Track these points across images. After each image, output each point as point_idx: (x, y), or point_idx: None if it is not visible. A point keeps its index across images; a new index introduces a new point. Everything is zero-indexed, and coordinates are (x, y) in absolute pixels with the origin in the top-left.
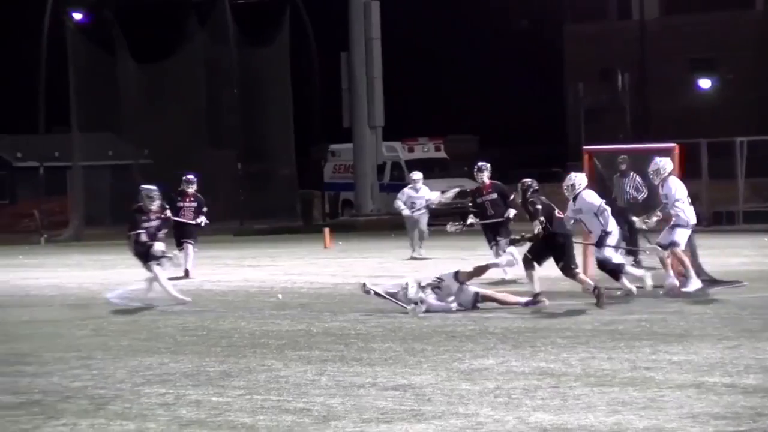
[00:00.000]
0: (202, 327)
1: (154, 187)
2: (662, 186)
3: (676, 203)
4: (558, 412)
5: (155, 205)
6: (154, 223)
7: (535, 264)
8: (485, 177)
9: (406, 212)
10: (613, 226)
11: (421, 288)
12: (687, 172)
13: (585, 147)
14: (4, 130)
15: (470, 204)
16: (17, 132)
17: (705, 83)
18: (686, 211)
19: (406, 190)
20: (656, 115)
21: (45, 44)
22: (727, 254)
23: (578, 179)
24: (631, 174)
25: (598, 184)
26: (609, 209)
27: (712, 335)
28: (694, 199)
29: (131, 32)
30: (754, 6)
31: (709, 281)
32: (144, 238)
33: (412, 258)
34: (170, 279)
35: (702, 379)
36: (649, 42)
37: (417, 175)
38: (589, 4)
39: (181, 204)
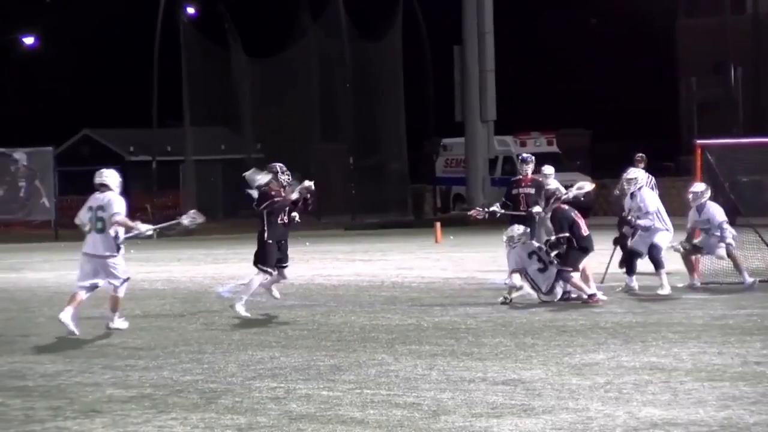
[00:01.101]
0: (312, 321)
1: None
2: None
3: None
4: (668, 407)
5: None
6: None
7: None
8: (529, 170)
9: (536, 209)
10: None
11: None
12: None
13: (698, 141)
14: (117, 125)
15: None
16: (130, 126)
17: None
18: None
19: None
20: None
21: (158, 39)
22: None
23: (640, 176)
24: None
25: (710, 180)
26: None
27: None
28: None
29: (244, 26)
30: None
31: None
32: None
33: None
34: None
35: None
36: (764, 36)
37: (549, 169)
38: None
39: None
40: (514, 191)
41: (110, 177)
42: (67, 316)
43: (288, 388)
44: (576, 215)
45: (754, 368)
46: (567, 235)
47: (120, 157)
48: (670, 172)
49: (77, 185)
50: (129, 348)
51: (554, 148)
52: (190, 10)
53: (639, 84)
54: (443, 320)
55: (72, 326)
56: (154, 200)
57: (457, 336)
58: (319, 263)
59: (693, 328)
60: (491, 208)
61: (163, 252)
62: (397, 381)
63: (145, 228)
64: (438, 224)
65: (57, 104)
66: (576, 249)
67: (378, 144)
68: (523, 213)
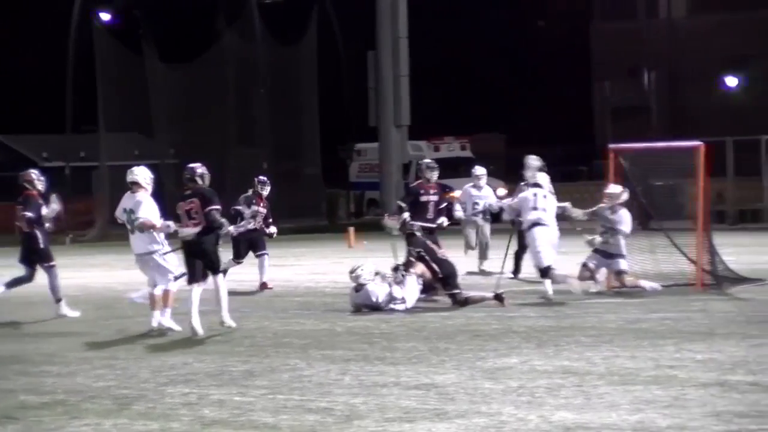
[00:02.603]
0: (225, 327)
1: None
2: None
3: None
4: (581, 411)
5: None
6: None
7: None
8: (436, 176)
9: (458, 214)
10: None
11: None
12: (713, 170)
13: (611, 146)
14: (31, 131)
15: (404, 200)
16: (44, 132)
17: (732, 81)
18: None
19: (468, 189)
20: (683, 113)
21: (72, 44)
22: (752, 252)
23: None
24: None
25: (624, 183)
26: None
27: (737, 333)
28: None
29: (159, 32)
30: None
31: (733, 279)
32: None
33: (482, 272)
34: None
35: (725, 378)
36: (677, 40)
37: (480, 170)
38: (616, 3)
39: (255, 208)
40: (423, 198)
41: (140, 174)
42: (159, 318)
43: (201, 394)
44: (430, 243)
45: (667, 372)
46: (420, 251)
47: (33, 162)
48: (584, 176)
49: None
50: (42, 354)
51: (468, 153)
52: (105, 16)
53: (553, 88)
54: (357, 325)
55: (174, 325)
56: (68, 206)
57: (370, 341)
58: (233, 268)
59: (606, 332)
60: (406, 217)
61: (77, 258)
62: (310, 386)
63: (184, 230)
64: (351, 229)
65: None
66: (443, 276)
67: (293, 149)
68: (434, 226)
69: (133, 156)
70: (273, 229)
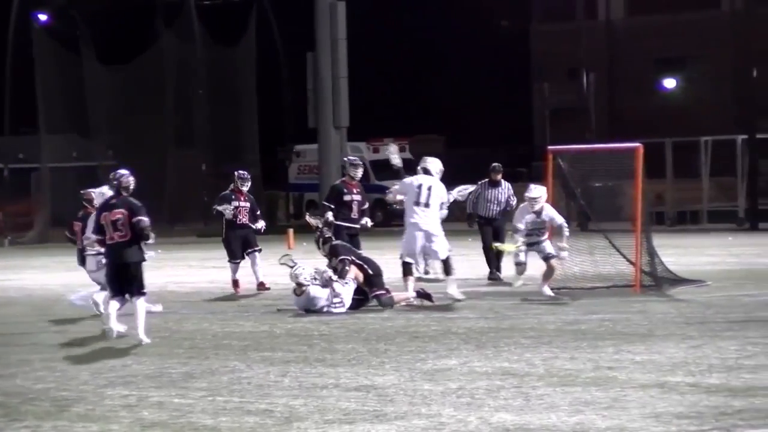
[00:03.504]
0: (165, 328)
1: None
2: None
3: None
4: (520, 412)
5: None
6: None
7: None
8: (360, 174)
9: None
10: None
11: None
12: (652, 171)
13: (549, 147)
14: None
15: (327, 199)
16: None
17: (670, 83)
18: None
19: None
20: (622, 114)
21: (10, 45)
22: (691, 253)
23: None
24: (504, 183)
25: (562, 185)
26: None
27: (676, 335)
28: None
29: (97, 33)
30: (719, 6)
31: (673, 280)
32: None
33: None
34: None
35: (665, 379)
36: (616, 42)
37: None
38: (555, 4)
39: (236, 204)
40: (346, 197)
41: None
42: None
43: (140, 396)
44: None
45: (606, 373)
46: (348, 258)
47: None
48: (524, 178)
49: None
50: None
51: (407, 155)
52: (42, 17)
53: (493, 90)
54: (296, 327)
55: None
56: (6, 208)
57: (310, 342)
58: (172, 270)
59: (545, 333)
60: (328, 218)
61: (15, 260)
62: (250, 388)
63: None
64: (291, 231)
65: None
66: (371, 274)
67: (232, 150)
68: (357, 226)
69: (71, 158)
70: (260, 224)
